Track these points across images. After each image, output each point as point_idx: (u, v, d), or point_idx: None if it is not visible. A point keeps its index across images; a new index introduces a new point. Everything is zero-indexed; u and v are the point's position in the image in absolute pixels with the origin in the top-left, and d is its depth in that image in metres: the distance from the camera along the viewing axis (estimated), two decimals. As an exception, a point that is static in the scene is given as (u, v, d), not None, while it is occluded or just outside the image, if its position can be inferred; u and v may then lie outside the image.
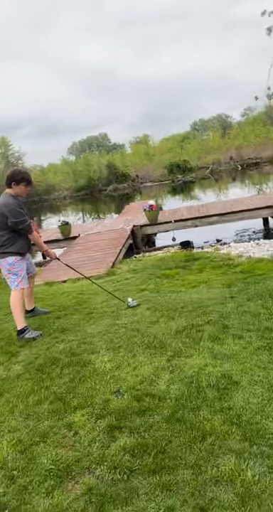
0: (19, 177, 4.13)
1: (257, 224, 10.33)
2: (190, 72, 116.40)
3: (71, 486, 1.94)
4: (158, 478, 1.88)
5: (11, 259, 4.06)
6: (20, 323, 4.00)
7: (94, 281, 5.21)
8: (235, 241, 9.15)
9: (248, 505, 1.66)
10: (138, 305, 4.38)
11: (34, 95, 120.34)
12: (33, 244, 4.41)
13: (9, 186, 4.12)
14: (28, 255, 4.38)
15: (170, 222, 9.87)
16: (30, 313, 4.56)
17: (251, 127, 43.04)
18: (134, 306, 4.35)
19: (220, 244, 8.78)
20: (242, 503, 1.68)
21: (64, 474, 2.01)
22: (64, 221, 10.81)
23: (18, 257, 4.11)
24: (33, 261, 4.81)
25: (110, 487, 1.88)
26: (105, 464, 2.02)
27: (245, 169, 34.04)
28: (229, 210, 9.92)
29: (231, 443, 2.03)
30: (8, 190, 4.13)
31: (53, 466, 2.06)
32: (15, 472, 2.08)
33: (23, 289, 4.14)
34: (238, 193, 18.61)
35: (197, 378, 2.64)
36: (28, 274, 4.29)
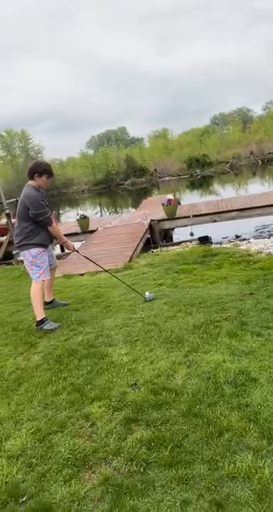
0: (41, 169, 4.19)
1: (278, 220, 10.14)
2: (211, 65, 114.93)
3: (88, 475, 1.97)
4: (174, 471, 1.88)
5: (35, 250, 4.12)
6: (39, 314, 4.07)
7: (113, 274, 5.23)
8: (255, 237, 9.01)
9: (265, 502, 1.65)
10: (155, 299, 4.38)
11: (53, 90, 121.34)
12: (54, 238, 4.47)
13: (32, 178, 4.18)
14: (49, 247, 4.43)
15: (189, 216, 9.80)
16: (49, 304, 4.63)
17: (272, 121, 42.13)
18: (150, 300, 4.36)
19: (239, 240, 8.67)
20: (258, 500, 1.67)
21: (81, 464, 2.05)
22: (82, 215, 10.87)
23: (42, 249, 4.17)
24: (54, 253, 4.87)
25: (126, 478, 1.90)
26: (122, 455, 2.05)
27: (266, 164, 33.41)
28: (249, 206, 9.77)
29: (248, 440, 2.01)
30: (30, 182, 4.20)
31: (71, 456, 2.10)
32: (33, 460, 2.12)
33: (44, 280, 4.20)
34: (258, 188, 18.31)
35: (214, 374, 2.63)
36: (49, 266, 4.35)
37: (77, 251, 4.85)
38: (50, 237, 4.33)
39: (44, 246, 4.21)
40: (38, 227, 4.12)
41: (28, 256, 4.15)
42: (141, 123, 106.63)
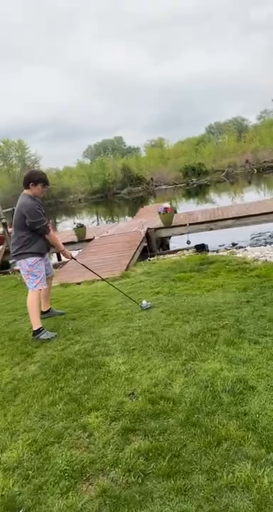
0: (37, 178, 4.19)
1: (274, 228, 10.19)
2: (207, 75, 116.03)
3: (85, 487, 1.94)
4: (172, 482, 1.86)
5: (31, 259, 4.11)
6: (36, 323, 4.05)
7: (110, 282, 5.23)
8: (251, 245, 9.04)
9: (264, 512, 1.64)
10: (152, 307, 4.38)
11: (50, 99, 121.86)
12: (52, 246, 4.46)
13: (27, 187, 4.17)
14: (46, 256, 4.42)
15: (185, 225, 9.83)
16: (45, 314, 4.61)
17: (267, 130, 42.60)
18: (147, 308, 4.35)
19: (236, 248, 8.70)
20: (258, 510, 1.65)
21: (78, 475, 2.02)
22: (79, 224, 10.88)
23: (38, 258, 4.16)
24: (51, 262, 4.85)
25: (124, 490, 1.87)
26: (119, 466, 2.02)
27: (261, 172, 33.66)
28: (245, 214, 9.82)
29: (247, 449, 2.00)
30: (26, 191, 4.19)
31: (68, 467, 2.07)
32: (30, 472, 2.10)
33: (40, 290, 4.19)
34: (254, 197, 18.42)
35: (212, 382, 2.61)
36: (46, 275, 4.34)
37: (74, 259, 4.85)
38: (47, 245, 4.32)
39: (41, 255, 4.20)
40: (35, 236, 4.12)
41: (25, 265, 4.14)
42: (137, 132, 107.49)
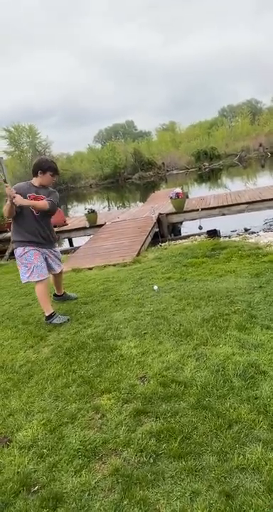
0: (46, 166, 4.03)
1: (287, 213, 10.03)
2: (219, 55, 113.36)
3: (98, 466, 1.99)
4: (183, 462, 1.90)
5: (20, 250, 4.01)
6: (47, 310, 4.07)
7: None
8: (264, 230, 8.94)
9: (275, 493, 1.66)
10: (163, 292, 4.40)
11: (61, 83, 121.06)
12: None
13: (35, 175, 4.03)
14: (52, 251, 4.23)
15: (197, 210, 9.76)
16: (60, 297, 4.65)
17: (282, 112, 41.56)
18: (159, 292, 4.39)
19: (248, 234, 8.62)
20: (268, 491, 1.68)
21: (91, 455, 2.07)
22: (90, 209, 10.89)
23: (28, 248, 3.97)
24: (59, 248, 4.68)
25: (136, 469, 1.91)
26: (132, 446, 2.06)
27: (275, 156, 33.00)
28: (258, 199, 9.69)
29: (258, 432, 2.02)
30: (33, 180, 4.05)
31: (81, 447, 2.13)
32: (45, 450, 2.16)
33: (43, 279, 4.01)
34: (267, 181, 18.11)
35: (223, 367, 2.63)
36: (51, 269, 4.24)
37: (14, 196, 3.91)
38: (39, 233, 4.01)
39: (30, 244, 3.98)
40: (17, 224, 3.99)
41: (16, 255, 4.07)
42: (148, 116, 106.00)
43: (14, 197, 3.79)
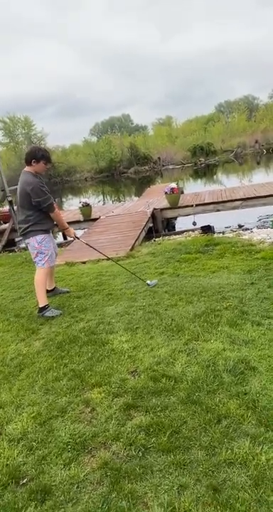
0: (39, 154, 4.11)
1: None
2: (216, 51, 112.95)
3: (87, 459, 2.00)
4: (172, 456, 1.91)
5: (40, 237, 4.13)
6: (42, 300, 4.09)
7: (117, 262, 5.24)
8: (258, 227, 8.97)
9: (261, 488, 1.68)
10: (157, 286, 4.41)
11: (57, 75, 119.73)
12: (56, 225, 4.46)
13: (29, 164, 4.10)
14: (51, 234, 4.42)
15: (192, 206, 9.76)
16: (51, 292, 4.65)
17: (278, 109, 41.58)
18: (153, 286, 4.40)
19: (242, 230, 8.64)
20: (255, 485, 1.70)
21: (81, 448, 2.08)
22: (85, 203, 10.84)
23: (46, 235, 4.18)
24: (55, 241, 4.83)
25: (125, 463, 1.93)
26: (121, 440, 2.08)
27: (271, 153, 33.08)
28: (253, 195, 9.71)
29: (246, 427, 2.04)
30: (27, 168, 4.14)
31: (71, 440, 2.13)
32: (34, 443, 2.16)
33: (49, 267, 4.22)
34: (262, 178, 18.16)
35: (214, 362, 2.65)
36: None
37: (77, 238, 4.84)
38: (53, 223, 4.32)
39: (47, 232, 4.22)
40: (41, 214, 4.12)
41: (34, 243, 4.14)
42: (145, 110, 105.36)
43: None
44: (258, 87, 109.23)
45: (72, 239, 5.38)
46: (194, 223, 9.34)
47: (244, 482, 1.72)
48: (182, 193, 12.43)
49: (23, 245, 9.38)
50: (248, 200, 9.59)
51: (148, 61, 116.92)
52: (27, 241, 4.22)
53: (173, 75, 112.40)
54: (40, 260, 4.18)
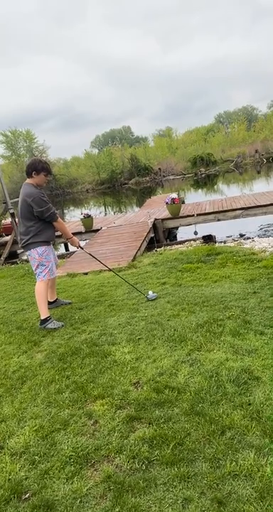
0: (40, 166, 4.16)
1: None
2: (216, 63, 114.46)
3: (90, 473, 1.98)
4: (176, 469, 1.89)
5: (41, 249, 4.14)
6: (44, 312, 4.08)
7: (117, 273, 5.24)
8: (259, 236, 8.98)
9: (266, 500, 1.65)
10: (158, 298, 4.39)
11: (59, 88, 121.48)
12: (58, 236, 4.48)
13: (30, 176, 4.16)
14: (51, 247, 4.43)
15: (193, 215, 9.79)
16: (52, 304, 4.65)
17: (278, 119, 41.92)
18: (153, 299, 4.37)
19: (244, 239, 8.64)
20: (260, 498, 1.67)
21: (83, 461, 2.06)
22: (86, 214, 10.89)
23: (47, 247, 4.19)
24: (56, 253, 4.84)
25: (129, 476, 1.90)
26: (124, 453, 2.05)
27: (271, 162, 33.22)
28: (254, 204, 9.73)
29: (251, 438, 2.01)
30: (28, 180, 4.18)
31: (73, 453, 2.11)
32: (36, 457, 2.14)
33: (49, 279, 4.21)
34: (263, 187, 18.22)
35: (217, 372, 2.63)
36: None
37: (81, 248, 4.85)
38: (54, 234, 4.33)
39: (48, 244, 4.23)
40: (43, 225, 4.13)
41: (35, 254, 4.16)
42: (145, 122, 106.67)
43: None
44: (257, 98, 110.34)
45: (74, 249, 5.39)
46: (195, 233, 9.36)
47: (249, 494, 1.69)
48: (183, 203, 12.47)
49: (25, 257, 9.41)
50: (249, 210, 9.61)
51: (148, 74, 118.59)
52: (28, 253, 4.23)
53: (173, 87, 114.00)
54: (41, 272, 4.18)
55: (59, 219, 4.25)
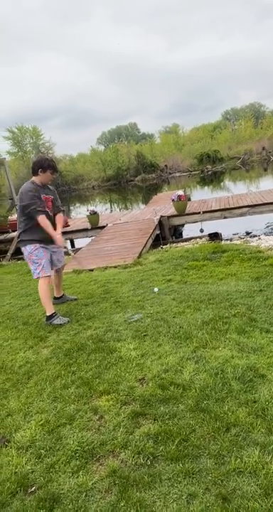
0: (46, 164, 4.12)
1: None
2: (222, 60, 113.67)
3: (96, 467, 2.00)
4: (181, 465, 1.90)
5: (30, 247, 4.09)
6: (49, 309, 4.10)
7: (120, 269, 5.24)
8: (266, 233, 8.94)
9: (271, 497, 1.66)
10: (164, 294, 4.40)
11: (65, 85, 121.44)
12: (64, 233, 4.46)
13: (36, 173, 4.12)
14: (52, 247, 4.25)
15: (199, 213, 9.76)
16: (58, 299, 4.67)
17: (285, 116, 41.56)
18: (158, 293, 4.41)
19: (250, 237, 8.61)
20: (265, 494, 1.68)
21: (89, 456, 2.07)
22: (92, 211, 10.91)
23: (37, 245, 4.09)
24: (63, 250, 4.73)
25: (134, 471, 1.92)
26: (129, 448, 2.07)
27: (278, 160, 33.00)
28: (260, 202, 9.68)
29: (255, 436, 2.02)
30: (33, 178, 4.16)
31: (79, 448, 2.13)
32: (42, 451, 2.16)
33: (47, 276, 4.12)
34: (270, 185, 18.10)
35: (222, 370, 2.63)
36: (54, 265, 4.34)
37: (66, 248, 4.75)
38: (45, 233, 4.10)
39: (40, 242, 4.09)
40: (30, 222, 4.05)
41: (25, 252, 4.15)
42: (152, 119, 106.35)
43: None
44: (264, 95, 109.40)
45: (81, 246, 5.39)
46: (201, 230, 9.33)
47: (254, 491, 1.70)
48: (189, 200, 12.44)
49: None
50: (255, 207, 9.56)
51: (154, 71, 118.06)
52: (22, 249, 4.23)
53: (179, 84, 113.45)
54: (35, 270, 4.11)
55: (41, 216, 4.01)
